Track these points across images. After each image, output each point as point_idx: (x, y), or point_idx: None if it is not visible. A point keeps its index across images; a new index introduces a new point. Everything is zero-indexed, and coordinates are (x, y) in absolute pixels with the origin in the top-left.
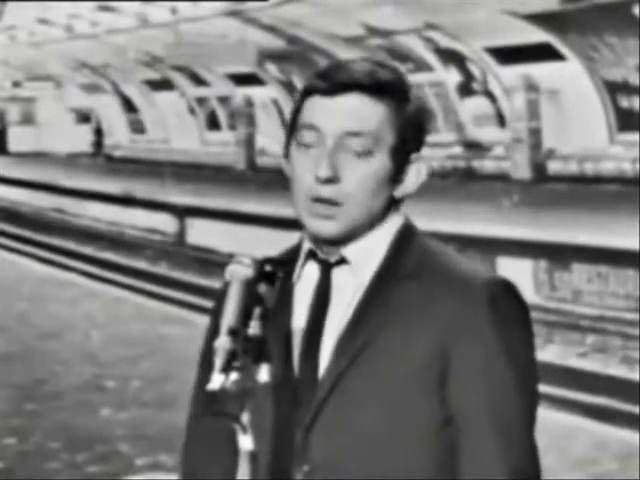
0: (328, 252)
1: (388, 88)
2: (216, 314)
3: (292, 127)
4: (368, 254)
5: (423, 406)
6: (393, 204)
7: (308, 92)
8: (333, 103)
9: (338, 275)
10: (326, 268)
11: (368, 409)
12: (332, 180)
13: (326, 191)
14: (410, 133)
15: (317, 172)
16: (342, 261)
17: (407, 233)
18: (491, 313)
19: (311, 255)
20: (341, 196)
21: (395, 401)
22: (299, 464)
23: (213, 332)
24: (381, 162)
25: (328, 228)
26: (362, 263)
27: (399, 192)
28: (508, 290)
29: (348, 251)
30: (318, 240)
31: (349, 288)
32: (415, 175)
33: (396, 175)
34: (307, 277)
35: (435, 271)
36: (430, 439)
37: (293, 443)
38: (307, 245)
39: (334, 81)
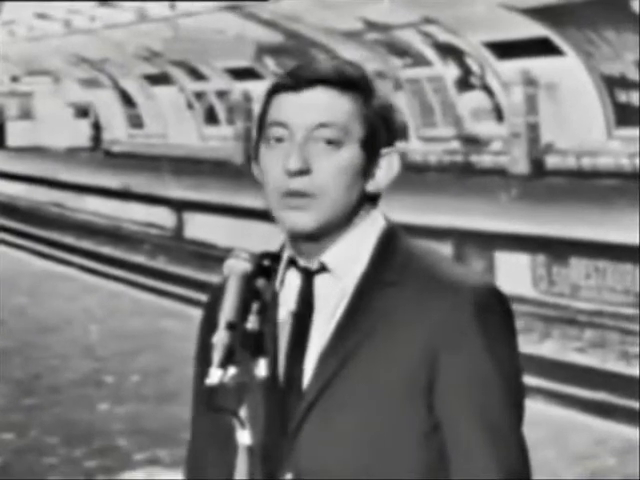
0: (308, 258)
1: (353, 82)
2: (210, 308)
3: (260, 127)
4: (350, 259)
5: (410, 412)
6: (367, 201)
7: (274, 91)
8: (299, 98)
9: (320, 282)
10: (307, 276)
11: (355, 415)
12: (303, 172)
13: (297, 183)
14: (379, 126)
15: (287, 165)
16: (323, 268)
17: (390, 236)
18: (478, 320)
19: (292, 263)
20: (313, 188)
21: (382, 407)
22: (285, 470)
23: (208, 326)
24: (352, 153)
25: (303, 220)
26: (344, 269)
27: (371, 186)
28: (495, 296)
29: (328, 258)
30: (295, 237)
31: (332, 295)
32: (387, 168)
33: (367, 168)
34: (289, 284)
35: (421, 276)
36: (418, 445)
37: (282, 442)
38: (287, 252)
39: (299, 77)
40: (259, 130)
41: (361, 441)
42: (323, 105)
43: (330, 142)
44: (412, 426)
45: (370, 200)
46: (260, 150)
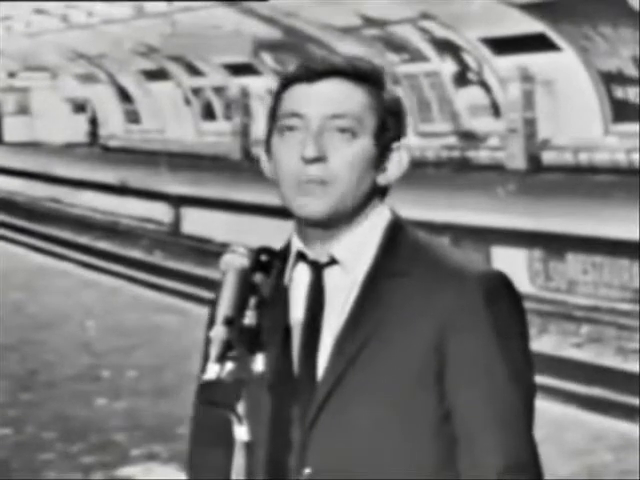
0: (318, 249)
1: (366, 75)
2: (213, 305)
3: (272, 119)
4: (358, 251)
5: (423, 402)
6: (377, 193)
7: (287, 83)
8: (314, 89)
9: (330, 275)
10: (317, 269)
11: (369, 408)
12: (319, 159)
13: (313, 171)
14: (390, 120)
15: (303, 152)
16: (333, 261)
17: (396, 227)
18: (486, 307)
19: (301, 257)
20: (328, 175)
21: (396, 399)
22: (300, 466)
23: (210, 323)
24: (365, 145)
25: (315, 206)
26: (353, 261)
27: (382, 179)
28: (503, 283)
29: (337, 250)
30: (307, 223)
31: (342, 287)
32: (397, 163)
33: (379, 161)
34: (299, 278)
35: (428, 265)
36: (432, 435)
37: (290, 436)
38: (296, 246)
39: (313, 69)
40: (271, 123)
41: (376, 434)
42: (337, 96)
43: (344, 132)
44: (426, 415)
45: (379, 193)
46: (272, 142)
